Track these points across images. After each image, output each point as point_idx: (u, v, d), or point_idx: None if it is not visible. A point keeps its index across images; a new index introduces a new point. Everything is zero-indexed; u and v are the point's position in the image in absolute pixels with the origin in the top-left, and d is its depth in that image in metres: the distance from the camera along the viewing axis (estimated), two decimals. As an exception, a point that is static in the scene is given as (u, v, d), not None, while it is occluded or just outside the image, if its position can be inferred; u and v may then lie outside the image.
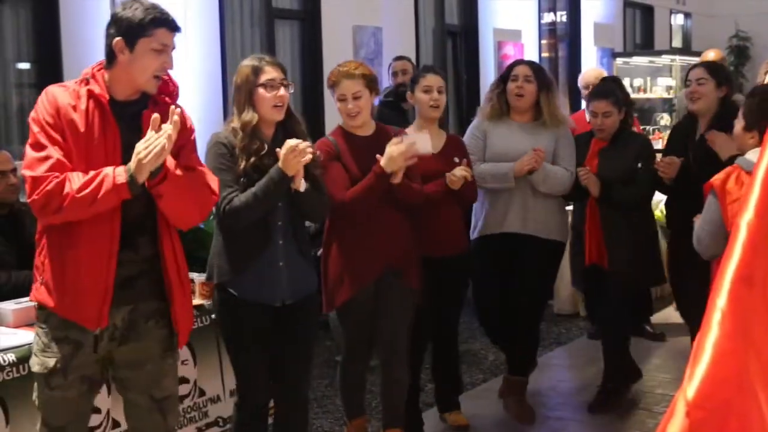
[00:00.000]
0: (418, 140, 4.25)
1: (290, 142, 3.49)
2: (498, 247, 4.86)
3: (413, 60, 9.66)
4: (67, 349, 3.02)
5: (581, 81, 7.56)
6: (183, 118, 3.12)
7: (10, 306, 3.83)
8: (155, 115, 2.92)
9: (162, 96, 3.15)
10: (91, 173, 2.90)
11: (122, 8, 3.08)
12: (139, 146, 2.90)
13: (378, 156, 4.05)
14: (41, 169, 2.88)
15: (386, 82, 7.13)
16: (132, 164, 2.89)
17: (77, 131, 2.95)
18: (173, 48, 3.12)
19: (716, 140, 4.59)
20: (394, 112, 6.07)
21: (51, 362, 3.01)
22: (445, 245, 4.56)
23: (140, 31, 3.02)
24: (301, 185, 3.58)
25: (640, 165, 4.89)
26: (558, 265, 5.06)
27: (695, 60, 12.96)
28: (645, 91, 12.75)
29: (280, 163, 3.50)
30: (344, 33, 8.70)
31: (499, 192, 4.83)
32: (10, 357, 3.43)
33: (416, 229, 4.35)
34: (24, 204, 4.03)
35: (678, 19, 16.51)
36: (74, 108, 2.96)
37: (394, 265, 4.20)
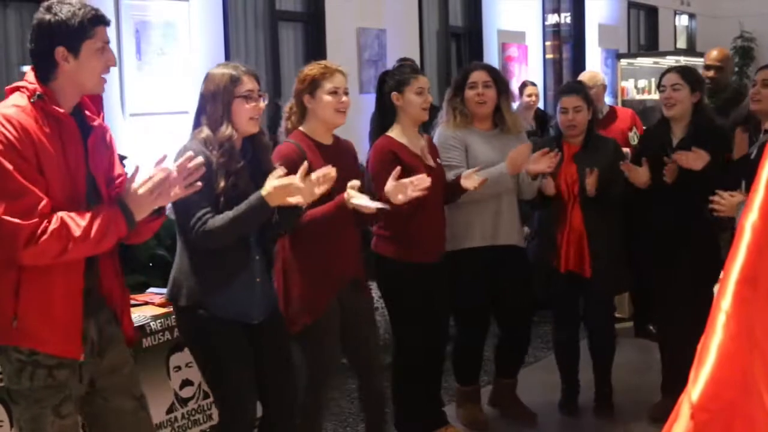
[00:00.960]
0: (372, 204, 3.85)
1: (282, 178, 3.31)
2: (487, 258, 4.75)
3: (418, 61, 9.68)
4: (66, 374, 2.90)
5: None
6: (107, 130, 3.07)
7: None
8: (137, 166, 2.88)
9: (89, 106, 3.00)
10: (85, 215, 2.78)
11: (47, 13, 2.83)
12: (135, 184, 2.83)
13: (351, 183, 3.75)
14: (29, 216, 2.69)
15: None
16: (127, 201, 2.82)
17: (48, 153, 2.76)
18: (108, 42, 2.95)
19: (683, 159, 4.58)
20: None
21: (59, 392, 2.89)
22: (438, 250, 4.53)
23: (82, 35, 2.83)
24: (303, 201, 3.43)
25: (621, 164, 4.85)
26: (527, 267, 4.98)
27: (700, 61, 12.96)
28: (649, 92, 12.72)
29: (264, 192, 3.30)
30: (348, 35, 8.70)
31: (484, 204, 4.67)
32: None
33: (403, 236, 4.35)
34: None
35: (682, 20, 16.50)
36: (40, 129, 2.77)
37: (357, 276, 4.07)
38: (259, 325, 3.55)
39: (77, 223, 2.75)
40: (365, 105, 6.87)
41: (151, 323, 4.08)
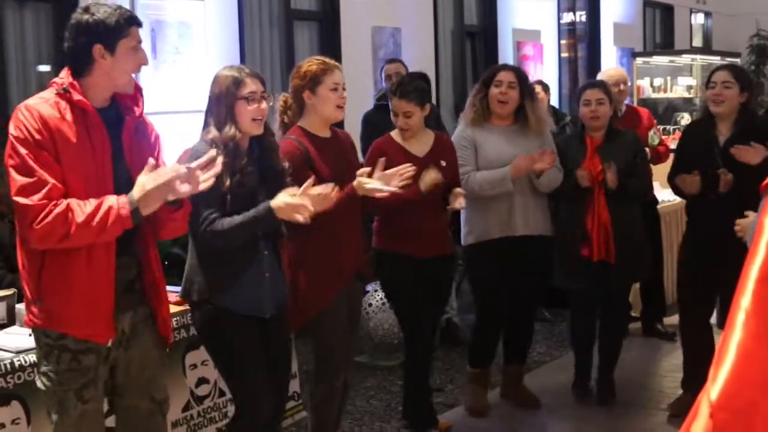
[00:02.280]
0: (386, 184, 3.96)
1: (294, 197, 3.41)
2: (501, 250, 4.90)
3: (433, 60, 9.69)
4: (92, 360, 3.01)
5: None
6: (148, 125, 3.18)
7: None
8: (151, 161, 2.94)
9: (126, 100, 3.11)
10: (93, 202, 2.87)
11: (85, 14, 3.00)
12: (144, 178, 2.90)
13: (360, 171, 3.93)
14: (36, 197, 2.82)
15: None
16: (136, 195, 2.89)
17: (68, 143, 2.89)
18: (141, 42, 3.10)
19: (740, 153, 4.60)
20: (387, 116, 6.05)
21: (82, 376, 2.99)
22: (435, 245, 4.57)
23: (119, 33, 2.98)
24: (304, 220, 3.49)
25: (638, 159, 5.06)
26: (549, 258, 5.13)
27: (716, 59, 12.98)
28: (665, 90, 12.70)
29: (274, 204, 3.41)
30: (363, 34, 8.71)
31: (499, 196, 4.84)
32: (31, 358, 3.44)
33: (404, 231, 4.45)
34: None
35: (698, 19, 16.44)
36: (61, 120, 2.91)
37: (361, 269, 4.20)
38: (268, 319, 3.62)
39: (82, 209, 2.85)
40: (380, 104, 6.84)
41: (167, 321, 4.09)
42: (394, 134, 4.59)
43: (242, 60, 7.43)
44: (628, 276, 5.22)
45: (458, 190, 4.49)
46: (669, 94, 12.63)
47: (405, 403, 4.81)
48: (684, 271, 5.06)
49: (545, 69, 11.58)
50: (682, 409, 4.92)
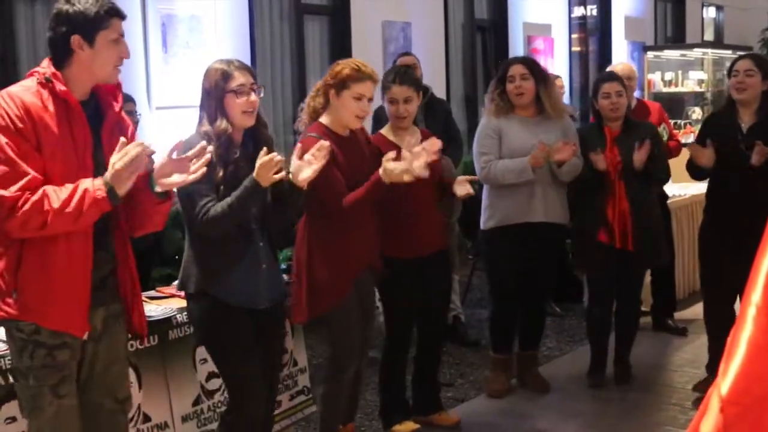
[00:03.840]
0: (415, 167, 3.93)
1: (263, 157, 3.38)
2: (519, 235, 5.04)
3: (443, 55, 9.67)
4: (67, 355, 2.97)
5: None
6: (126, 121, 3.14)
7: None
8: (122, 140, 2.89)
9: (106, 95, 3.08)
10: (69, 187, 2.84)
11: (66, 4, 2.96)
12: (115, 158, 2.86)
13: (388, 154, 3.95)
14: (14, 189, 2.78)
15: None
16: (108, 176, 2.85)
17: (50, 133, 2.86)
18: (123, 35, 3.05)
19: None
20: None
21: (57, 372, 2.95)
22: (431, 242, 4.59)
23: (98, 25, 2.94)
24: (305, 183, 3.55)
25: (656, 151, 5.17)
26: (563, 248, 5.39)
27: (728, 53, 12.92)
28: (676, 84, 12.66)
29: (254, 174, 3.41)
30: (373, 28, 8.70)
31: (517, 186, 4.99)
32: None
33: (398, 231, 4.43)
34: None
35: (710, 12, 16.38)
36: (44, 109, 2.86)
37: (373, 263, 4.23)
38: (264, 311, 3.62)
39: (58, 195, 2.81)
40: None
41: (177, 316, 4.09)
42: (385, 131, 4.59)
43: (252, 54, 7.44)
44: (646, 264, 5.42)
45: (461, 177, 4.53)
46: (680, 88, 12.59)
47: (381, 402, 4.81)
48: (704, 259, 5.17)
49: (556, 63, 11.55)
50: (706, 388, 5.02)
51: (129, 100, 5.21)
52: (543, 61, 11.24)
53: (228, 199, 3.42)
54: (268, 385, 3.71)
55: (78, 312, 2.96)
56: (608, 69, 6.88)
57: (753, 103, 4.94)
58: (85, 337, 3.01)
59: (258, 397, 3.60)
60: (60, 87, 2.90)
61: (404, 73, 4.61)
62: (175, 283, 4.44)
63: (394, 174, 3.89)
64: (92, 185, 2.84)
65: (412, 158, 3.92)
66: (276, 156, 3.40)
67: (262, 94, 3.61)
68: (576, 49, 12.31)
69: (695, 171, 5.14)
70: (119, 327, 3.15)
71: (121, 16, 3.02)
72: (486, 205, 5.14)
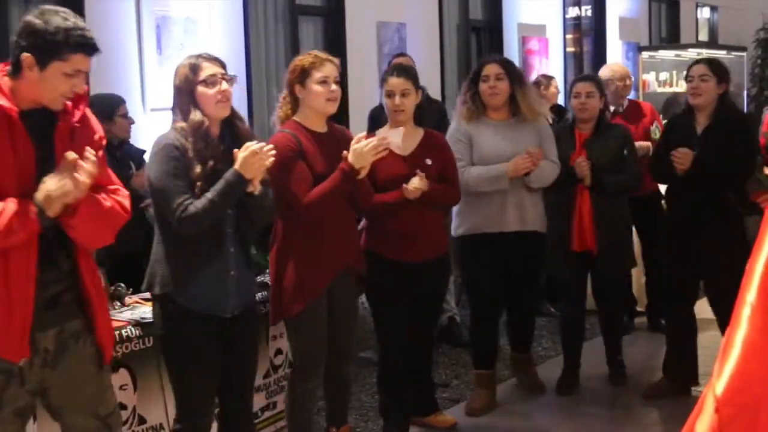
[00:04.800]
0: (391, 135, 4.09)
1: (251, 145, 3.34)
2: (493, 243, 4.90)
3: (438, 56, 9.66)
4: (0, 380, 2.82)
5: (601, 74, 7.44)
6: (92, 128, 2.98)
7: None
8: (70, 156, 2.73)
9: (70, 105, 2.90)
10: None
11: (39, 17, 2.78)
12: (51, 184, 2.71)
13: (345, 152, 3.88)
14: None
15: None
16: (40, 196, 2.70)
17: None
18: (87, 72, 2.87)
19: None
20: None
21: None
22: (426, 249, 4.47)
23: (54, 53, 2.75)
24: (258, 187, 3.43)
25: (625, 152, 5.17)
26: (543, 255, 5.14)
27: (722, 53, 12.94)
28: (671, 85, 12.66)
29: (237, 166, 3.34)
30: (368, 29, 8.69)
31: (490, 194, 4.83)
32: (137, 330, 3.72)
33: (393, 235, 4.37)
34: None
35: (704, 13, 16.38)
36: None
37: (352, 265, 4.11)
38: (232, 319, 3.52)
39: None
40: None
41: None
42: (382, 132, 4.46)
43: (247, 55, 7.42)
44: (611, 266, 5.28)
45: (419, 173, 4.32)
46: (675, 89, 12.59)
47: (382, 402, 4.73)
48: (664, 258, 5.20)
49: (550, 64, 11.55)
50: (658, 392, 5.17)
51: (122, 102, 5.20)
52: (538, 61, 11.24)
53: (209, 195, 3.34)
54: (238, 394, 3.63)
55: (16, 336, 2.77)
56: (603, 68, 6.92)
57: (708, 107, 4.96)
58: (21, 363, 2.82)
59: (202, 421, 3.54)
60: (2, 101, 2.74)
61: (403, 68, 4.58)
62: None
63: (364, 154, 3.83)
64: (19, 204, 2.69)
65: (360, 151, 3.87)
66: (264, 144, 3.37)
67: (235, 83, 3.54)
68: (570, 49, 12.30)
69: (659, 174, 5.19)
70: (83, 344, 2.97)
71: (89, 53, 2.83)
72: (456, 212, 4.98)
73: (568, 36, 12.23)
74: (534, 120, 4.95)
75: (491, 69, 4.91)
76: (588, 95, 5.13)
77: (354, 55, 8.15)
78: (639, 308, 6.73)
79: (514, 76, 4.94)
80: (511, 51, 10.82)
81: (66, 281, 2.93)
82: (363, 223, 4.52)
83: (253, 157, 3.33)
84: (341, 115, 7.95)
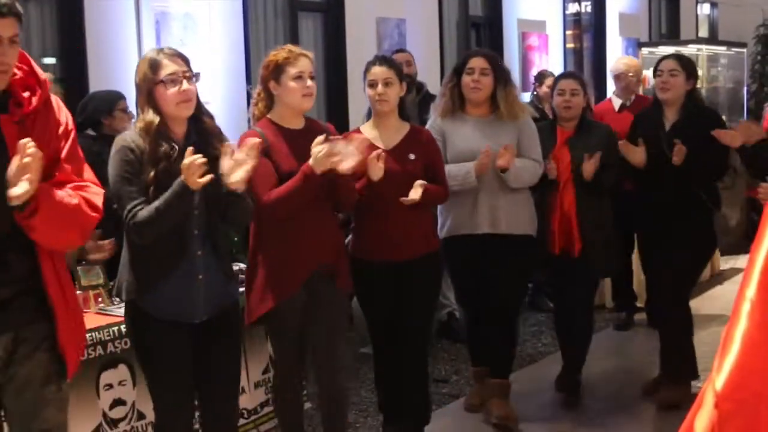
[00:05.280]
0: (343, 151, 3.70)
1: (186, 159, 3.11)
2: (468, 247, 4.67)
3: (438, 51, 9.66)
4: None
5: (612, 69, 7.42)
6: (56, 119, 2.78)
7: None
8: (23, 143, 2.53)
9: (24, 94, 2.72)
10: None
11: None
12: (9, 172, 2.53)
13: (314, 149, 3.67)
14: None
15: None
16: None
17: None
18: (12, 37, 2.68)
19: (722, 136, 4.78)
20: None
21: None
22: (416, 246, 4.25)
23: None
24: (240, 185, 3.25)
25: (619, 143, 5.00)
26: (532, 260, 4.84)
27: (722, 49, 12.92)
28: (671, 81, 12.63)
29: (182, 176, 3.14)
30: (368, 25, 8.68)
31: (465, 192, 4.58)
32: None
33: (381, 233, 4.17)
34: None
35: (704, 9, 16.37)
36: None
37: (326, 265, 3.85)
38: (205, 324, 3.37)
39: None
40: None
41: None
42: (364, 126, 4.36)
43: (247, 51, 7.42)
44: (592, 273, 5.13)
45: (418, 182, 4.16)
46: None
47: (378, 399, 4.58)
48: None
49: (550, 60, 11.54)
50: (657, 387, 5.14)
51: (122, 98, 5.19)
52: (537, 57, 11.24)
53: (156, 203, 3.17)
54: (214, 402, 3.48)
55: None
56: (617, 61, 6.99)
57: (677, 102, 4.99)
58: None
59: (181, 423, 3.40)
60: None
61: (385, 57, 4.42)
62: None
63: (320, 159, 3.60)
64: None
65: (345, 145, 3.71)
66: (198, 158, 3.12)
67: (198, 81, 3.34)
68: (570, 45, 12.29)
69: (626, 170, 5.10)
70: (37, 350, 2.78)
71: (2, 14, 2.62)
72: (439, 212, 4.75)
73: (568, 32, 12.22)
74: (514, 119, 4.68)
75: (477, 62, 4.69)
76: (572, 93, 5.03)
77: (354, 50, 8.15)
78: (639, 304, 6.73)
79: (500, 73, 4.72)
80: (511, 47, 10.82)
81: (21, 284, 2.74)
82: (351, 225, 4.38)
83: (187, 171, 3.11)
84: (341, 110, 7.96)
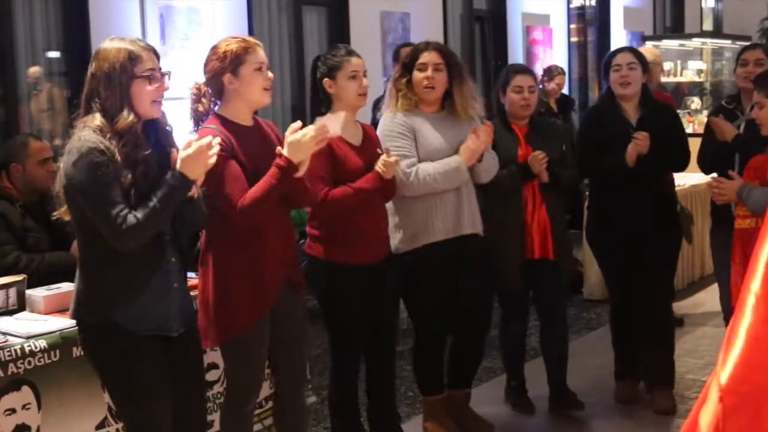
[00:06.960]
0: (330, 121, 3.59)
1: (198, 142, 2.94)
2: (448, 252, 4.31)
3: (441, 45, 9.67)
4: None
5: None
6: None
7: (41, 292, 3.84)
8: None
9: None
10: None
11: None
12: None
13: (278, 148, 3.40)
14: None
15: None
16: None
17: None
18: None
19: (717, 126, 4.67)
20: None
21: None
22: (380, 249, 4.08)
23: None
24: (198, 190, 3.06)
25: (564, 148, 4.77)
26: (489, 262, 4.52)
27: (726, 43, 12.91)
28: (675, 74, 12.64)
29: (179, 167, 2.93)
30: (372, 19, 8.68)
31: (443, 194, 4.25)
32: (42, 343, 3.44)
33: (353, 239, 3.95)
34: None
35: (709, 2, 16.35)
36: None
37: (291, 277, 3.59)
38: (175, 338, 3.12)
39: None
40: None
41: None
42: (321, 120, 3.94)
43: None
44: (564, 274, 4.90)
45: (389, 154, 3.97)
46: (679, 78, 12.57)
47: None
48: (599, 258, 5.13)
49: (555, 54, 11.54)
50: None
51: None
52: (542, 51, 11.23)
53: (151, 202, 2.91)
54: (189, 414, 3.21)
55: None
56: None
57: (635, 97, 4.79)
58: None
59: None
60: None
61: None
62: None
63: (303, 144, 3.35)
64: None
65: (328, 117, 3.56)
66: (209, 139, 2.97)
67: (170, 79, 3.10)
68: (575, 39, 12.29)
69: (592, 167, 4.87)
70: None
71: None
72: (396, 224, 4.29)
73: (573, 26, 12.22)
74: (470, 117, 4.34)
75: (430, 57, 4.28)
76: (530, 90, 4.68)
77: (358, 45, 8.08)
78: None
79: (455, 69, 4.32)
80: (516, 41, 10.82)
81: None
82: (307, 228, 4.10)
83: (199, 155, 2.94)
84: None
